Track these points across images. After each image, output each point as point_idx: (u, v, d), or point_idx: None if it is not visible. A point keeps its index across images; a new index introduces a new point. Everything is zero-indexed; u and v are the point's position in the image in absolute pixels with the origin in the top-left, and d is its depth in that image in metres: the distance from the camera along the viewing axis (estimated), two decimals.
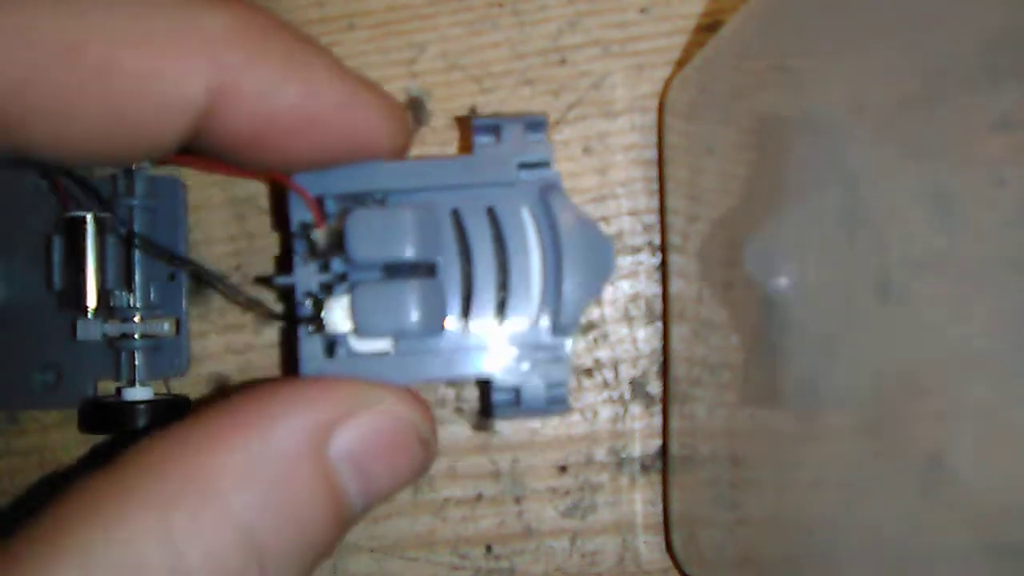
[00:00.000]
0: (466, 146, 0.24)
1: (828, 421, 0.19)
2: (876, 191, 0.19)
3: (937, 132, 0.19)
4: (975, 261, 0.19)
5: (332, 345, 0.21)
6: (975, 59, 0.18)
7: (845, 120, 0.20)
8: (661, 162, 0.25)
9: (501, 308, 0.21)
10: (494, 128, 0.21)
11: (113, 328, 0.23)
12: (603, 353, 0.25)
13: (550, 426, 0.25)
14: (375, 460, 0.19)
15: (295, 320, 0.21)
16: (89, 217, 0.22)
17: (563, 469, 0.25)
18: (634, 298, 0.25)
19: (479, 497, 0.25)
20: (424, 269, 0.21)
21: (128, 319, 0.23)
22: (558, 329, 0.21)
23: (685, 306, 0.24)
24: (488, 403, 0.21)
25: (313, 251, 0.21)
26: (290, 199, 0.21)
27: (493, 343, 0.21)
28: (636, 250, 0.25)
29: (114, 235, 0.22)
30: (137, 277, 0.23)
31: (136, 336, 0.23)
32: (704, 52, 0.23)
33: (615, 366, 0.25)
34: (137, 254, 0.23)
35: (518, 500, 0.25)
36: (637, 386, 0.25)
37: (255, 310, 0.24)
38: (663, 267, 0.25)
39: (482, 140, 0.21)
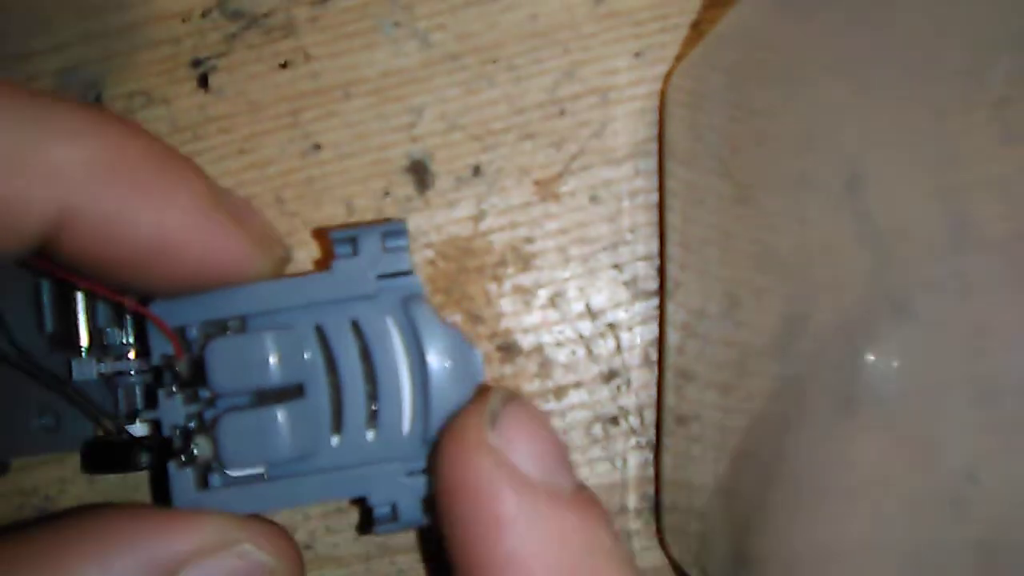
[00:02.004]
0: (328, 254, 0.23)
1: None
2: (885, 202, 0.19)
3: (947, 143, 0.19)
4: (989, 277, 0.19)
5: (205, 475, 0.20)
6: (985, 69, 0.18)
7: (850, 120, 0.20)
8: (662, 178, 0.25)
9: (373, 421, 0.21)
10: (351, 239, 0.21)
11: (108, 366, 0.22)
12: (627, 400, 0.25)
13: (581, 477, 0.25)
14: None
15: (164, 454, 0.20)
16: None
17: None
18: (653, 343, 0.25)
19: None
20: (292, 391, 0.20)
21: (122, 356, 0.22)
22: (428, 442, 0.20)
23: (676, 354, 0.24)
24: (367, 517, 0.21)
25: (178, 381, 0.20)
26: (149, 330, 0.21)
27: (367, 458, 0.20)
28: (651, 295, 0.25)
29: None
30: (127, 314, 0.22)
31: (132, 372, 0.22)
32: (694, 54, 0.23)
33: (640, 412, 0.25)
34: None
35: None
36: None
37: (124, 441, 0.23)
38: (660, 313, 0.25)
39: (340, 251, 0.21)
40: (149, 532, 0.17)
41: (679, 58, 0.25)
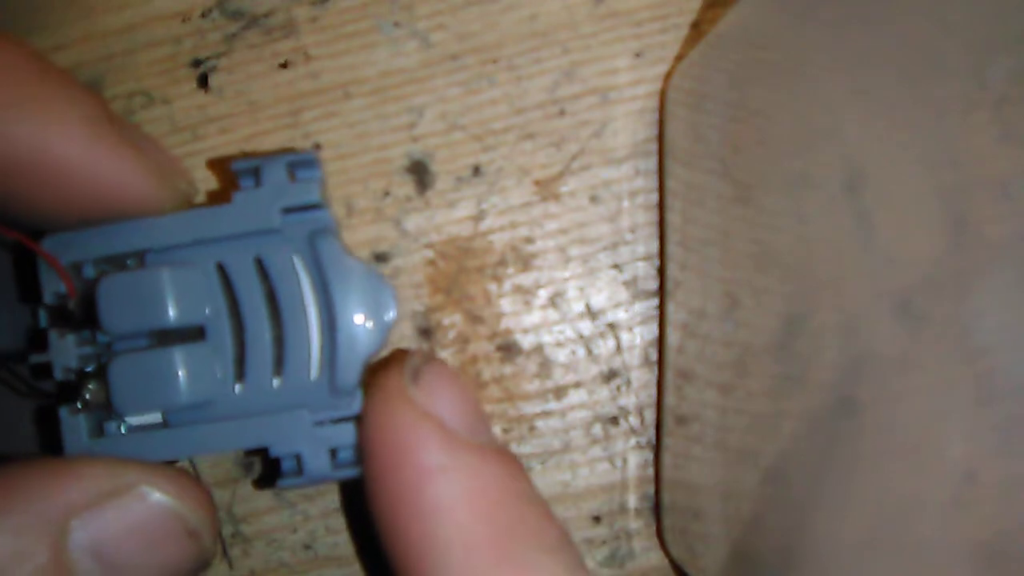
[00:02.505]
0: (230, 186, 0.22)
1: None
2: (885, 202, 0.19)
3: (947, 143, 0.19)
4: (990, 277, 0.19)
5: (101, 423, 0.19)
6: (985, 69, 0.18)
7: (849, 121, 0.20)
8: (662, 177, 0.25)
9: (279, 366, 0.19)
10: (254, 170, 0.19)
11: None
12: (627, 400, 0.25)
13: (581, 477, 0.25)
14: (126, 555, 0.16)
15: (55, 398, 0.19)
16: None
17: (597, 519, 0.25)
18: (653, 343, 0.25)
19: None
20: (191, 333, 0.19)
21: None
22: (337, 389, 0.19)
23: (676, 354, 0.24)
24: (273, 470, 0.19)
25: (71, 322, 0.19)
26: (39, 266, 0.19)
27: (272, 406, 0.19)
28: (651, 295, 0.25)
29: None
30: None
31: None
32: (695, 53, 0.23)
33: (640, 412, 0.25)
34: None
35: None
36: None
37: (16, 388, 0.22)
38: (660, 312, 0.25)
39: (244, 184, 0.19)
40: (35, 485, 0.16)
41: (679, 58, 0.25)
